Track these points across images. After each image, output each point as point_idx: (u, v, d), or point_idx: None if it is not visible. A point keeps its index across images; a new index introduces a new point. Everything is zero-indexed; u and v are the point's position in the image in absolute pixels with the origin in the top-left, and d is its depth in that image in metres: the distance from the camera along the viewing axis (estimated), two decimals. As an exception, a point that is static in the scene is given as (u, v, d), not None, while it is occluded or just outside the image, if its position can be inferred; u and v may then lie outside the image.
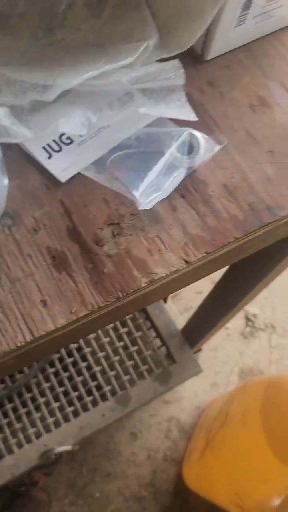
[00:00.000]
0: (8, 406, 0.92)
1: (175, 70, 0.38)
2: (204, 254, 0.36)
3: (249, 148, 0.41)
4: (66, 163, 0.37)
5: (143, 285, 0.34)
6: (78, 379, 0.96)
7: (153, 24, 0.41)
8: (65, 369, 0.97)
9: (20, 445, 0.90)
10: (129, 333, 0.98)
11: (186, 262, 0.36)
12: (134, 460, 1.16)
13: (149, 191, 0.34)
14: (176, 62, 0.39)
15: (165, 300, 1.01)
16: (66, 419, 0.93)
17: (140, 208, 0.34)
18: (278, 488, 0.85)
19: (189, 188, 0.38)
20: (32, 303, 0.33)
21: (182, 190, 0.38)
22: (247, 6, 0.41)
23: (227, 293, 0.76)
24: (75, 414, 0.94)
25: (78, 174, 0.37)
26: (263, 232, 0.39)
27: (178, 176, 0.36)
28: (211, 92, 0.44)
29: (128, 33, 0.42)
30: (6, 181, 0.35)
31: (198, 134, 0.37)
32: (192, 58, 0.45)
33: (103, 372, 0.96)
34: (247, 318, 1.34)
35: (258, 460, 0.85)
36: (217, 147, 0.38)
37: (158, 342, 0.99)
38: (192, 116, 0.37)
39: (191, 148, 0.37)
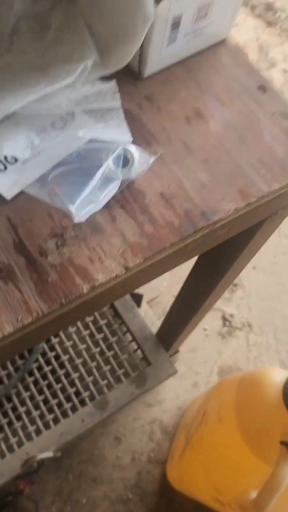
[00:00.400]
0: (-11, 417, 0.94)
1: (112, 94, 0.41)
2: (142, 260, 0.39)
3: (184, 158, 0.44)
4: (11, 181, 0.40)
5: (85, 291, 0.37)
6: (57, 386, 0.98)
7: (92, 44, 0.44)
8: (44, 377, 0.99)
9: (2, 455, 0.92)
10: (105, 339, 1.01)
11: (125, 267, 0.38)
12: (119, 464, 1.18)
13: (85, 204, 0.37)
14: (113, 85, 0.42)
15: (138, 305, 1.04)
16: (47, 426, 0.95)
17: (75, 220, 0.37)
18: (254, 481, 0.88)
19: (128, 199, 0.41)
20: (-20, 314, 0.35)
21: (121, 201, 0.41)
22: (175, 25, 0.45)
23: (194, 293, 0.79)
24: (56, 421, 0.95)
25: (22, 190, 0.40)
26: (200, 236, 0.42)
27: (113, 189, 0.38)
28: (149, 106, 0.47)
29: (69, 54, 0.45)
30: None
31: (132, 147, 0.40)
32: (131, 76, 0.48)
33: (81, 378, 0.98)
34: (224, 318, 1.37)
35: (234, 456, 0.87)
36: (152, 159, 0.41)
37: (133, 345, 1.01)
38: (127, 136, 0.40)
39: (126, 161, 0.40)
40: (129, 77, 0.48)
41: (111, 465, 1.17)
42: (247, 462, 0.85)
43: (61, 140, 0.41)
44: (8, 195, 0.39)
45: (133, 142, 0.42)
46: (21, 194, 0.40)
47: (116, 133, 0.42)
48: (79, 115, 0.44)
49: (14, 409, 0.96)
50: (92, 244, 0.39)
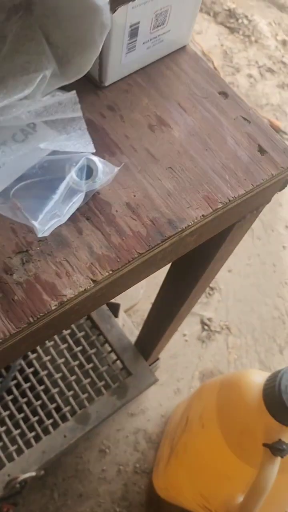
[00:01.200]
0: None
1: (73, 104, 0.40)
2: (110, 272, 0.38)
3: (149, 166, 0.44)
4: (-29, 197, 0.39)
5: (53, 307, 0.36)
6: (37, 403, 0.96)
7: (50, 54, 0.43)
8: (23, 394, 0.97)
9: (-17, 478, 0.89)
10: (83, 351, 0.99)
11: (94, 281, 0.38)
12: (104, 477, 1.16)
13: (48, 218, 0.36)
14: (73, 95, 0.41)
15: (115, 315, 1.03)
16: (28, 445, 0.93)
17: (39, 235, 0.36)
18: (240, 485, 0.87)
19: (94, 210, 0.41)
20: None
21: (87, 213, 0.40)
22: (133, 34, 0.44)
23: (170, 300, 0.79)
24: (37, 438, 0.93)
25: (-16, 207, 0.39)
26: (168, 244, 0.41)
27: (77, 201, 0.38)
28: (111, 116, 0.46)
29: (26, 65, 0.44)
30: None
31: (95, 158, 0.39)
32: (93, 85, 0.47)
33: (61, 393, 0.96)
34: (203, 323, 1.37)
35: (218, 460, 0.87)
36: (116, 169, 0.40)
37: (113, 356, 1.00)
38: (90, 148, 0.40)
39: (90, 172, 0.39)
40: (90, 86, 0.48)
41: (96, 479, 1.15)
42: (232, 466, 0.85)
43: (22, 153, 0.40)
44: None
45: (97, 152, 0.42)
46: (-18, 210, 0.39)
47: (79, 144, 0.41)
48: (41, 127, 0.43)
49: (-7, 429, 0.93)
50: (58, 259, 0.38)
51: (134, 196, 0.42)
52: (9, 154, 0.41)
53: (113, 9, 0.39)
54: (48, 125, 0.43)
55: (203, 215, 0.42)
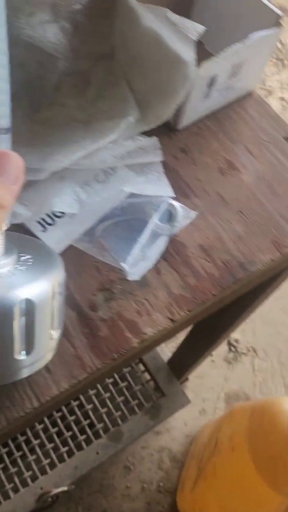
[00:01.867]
0: (3, 451, 0.93)
1: (154, 150, 0.43)
2: (187, 312, 0.40)
3: (220, 209, 0.46)
4: (59, 235, 0.41)
5: (135, 345, 0.38)
6: (71, 418, 0.97)
7: (133, 101, 0.46)
8: (58, 409, 0.99)
9: (16, 490, 0.91)
10: (117, 369, 1.01)
11: (172, 320, 0.40)
12: (128, 494, 1.17)
13: (137, 261, 0.38)
14: (155, 141, 0.43)
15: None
16: (61, 459, 0.95)
17: (129, 278, 0.38)
18: (270, 512, 0.88)
19: (171, 251, 0.43)
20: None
21: (164, 254, 0.43)
22: (211, 83, 0.47)
23: (212, 326, 0.81)
24: (70, 454, 0.95)
25: (71, 245, 0.41)
26: (238, 286, 0.43)
27: (161, 244, 0.40)
28: (184, 158, 0.49)
29: (110, 110, 0.47)
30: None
31: (176, 203, 0.42)
32: (166, 128, 0.50)
33: (95, 409, 0.98)
34: (230, 344, 1.38)
35: (248, 487, 0.87)
36: (193, 214, 0.43)
37: (146, 376, 1.02)
38: (169, 191, 0.42)
39: (170, 216, 0.42)
40: (163, 128, 0.50)
41: (120, 495, 1.17)
42: (262, 493, 0.86)
43: (105, 194, 0.43)
44: (58, 249, 0.41)
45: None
46: (69, 247, 0.42)
47: (158, 188, 0.43)
48: (120, 168, 0.45)
49: (28, 442, 0.95)
50: (139, 297, 0.40)
51: (207, 238, 0.44)
52: (93, 194, 0.43)
53: (198, 64, 0.42)
54: (127, 166, 0.46)
55: (272, 259, 0.44)
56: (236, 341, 1.39)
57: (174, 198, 0.44)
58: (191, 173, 0.48)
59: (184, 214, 0.42)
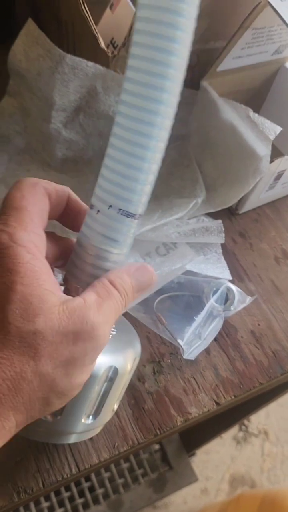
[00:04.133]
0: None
1: (217, 232, 0.45)
2: (233, 397, 0.40)
3: (273, 297, 0.47)
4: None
5: (179, 424, 0.38)
6: (72, 477, 0.94)
7: (202, 183, 0.48)
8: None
9: None
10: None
11: (217, 403, 0.40)
12: None
13: (191, 339, 0.39)
14: (219, 224, 0.45)
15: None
16: (55, 520, 0.91)
17: (185, 357, 0.39)
18: None
19: (221, 332, 0.43)
20: (79, 435, 0.36)
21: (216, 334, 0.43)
22: (278, 177, 0.49)
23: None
24: (65, 516, 0.91)
25: (127, 312, 0.42)
26: (285, 377, 0.43)
27: (216, 326, 0.41)
28: (242, 242, 0.50)
29: (181, 189, 0.49)
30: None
31: (233, 287, 0.43)
32: (227, 211, 0.52)
33: (97, 472, 0.95)
34: (241, 422, 1.33)
35: None
36: (248, 299, 0.44)
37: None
38: (227, 275, 0.43)
39: (226, 299, 0.43)
40: (224, 211, 0.52)
41: None
42: None
43: (165, 267, 0.44)
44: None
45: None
46: (124, 314, 0.43)
47: (217, 269, 0.45)
48: (181, 244, 0.47)
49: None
50: (186, 375, 0.40)
51: (259, 325, 0.44)
52: (153, 266, 0.45)
53: (271, 160, 0.44)
54: (188, 243, 0.47)
55: None
56: (248, 419, 1.34)
57: (230, 281, 0.45)
58: (248, 258, 0.49)
59: (240, 299, 0.42)
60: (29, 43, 0.42)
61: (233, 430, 1.32)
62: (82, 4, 0.39)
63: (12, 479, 0.34)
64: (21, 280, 0.20)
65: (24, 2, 0.52)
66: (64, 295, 0.22)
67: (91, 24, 0.40)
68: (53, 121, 0.45)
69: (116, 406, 0.31)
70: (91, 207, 0.23)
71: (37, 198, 0.23)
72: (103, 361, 0.26)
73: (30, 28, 0.42)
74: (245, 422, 1.34)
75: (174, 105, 0.21)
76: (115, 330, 0.28)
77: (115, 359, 0.27)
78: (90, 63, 0.41)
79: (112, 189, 0.22)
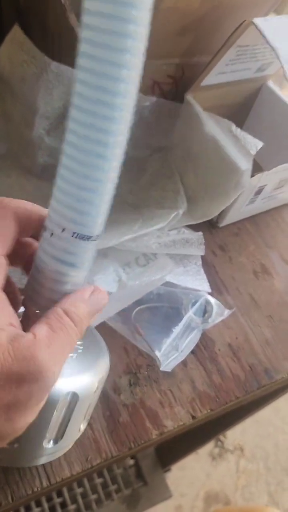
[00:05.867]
0: None
1: (197, 244, 0.45)
2: (209, 411, 0.40)
3: (251, 311, 0.47)
4: (93, 310, 0.42)
5: (154, 437, 0.37)
6: (43, 492, 0.92)
7: (184, 195, 0.49)
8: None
9: None
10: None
11: (193, 417, 0.39)
12: None
13: (169, 351, 0.39)
14: (199, 236, 0.45)
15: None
16: (24, 537, 0.88)
17: (161, 369, 0.38)
18: None
19: (199, 345, 0.43)
20: (50, 447, 0.35)
21: (193, 347, 0.43)
22: (258, 192, 0.50)
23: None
24: (35, 532, 0.88)
25: (104, 322, 0.42)
26: (260, 392, 0.43)
27: (194, 338, 0.40)
28: (222, 255, 0.50)
29: (162, 200, 0.49)
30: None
31: (212, 300, 0.43)
32: (208, 223, 0.52)
33: (69, 488, 0.92)
34: (217, 438, 1.33)
35: None
36: (226, 312, 0.44)
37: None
38: (206, 287, 0.43)
39: (205, 311, 0.43)
40: (205, 224, 0.52)
41: None
42: None
43: (145, 278, 0.44)
44: (93, 324, 0.41)
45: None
46: (100, 324, 0.42)
47: (196, 281, 0.44)
48: (161, 255, 0.47)
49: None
50: (163, 387, 0.40)
51: (236, 338, 0.44)
52: (133, 277, 0.44)
53: (252, 174, 0.45)
54: (168, 254, 0.47)
55: (296, 370, 0.44)
56: (224, 436, 1.34)
57: (209, 293, 0.45)
58: (227, 271, 0.49)
59: (218, 311, 0.42)
60: (14, 49, 0.42)
61: (209, 446, 1.31)
62: (68, 13, 0.39)
63: (-21, 492, 0.32)
64: None
65: (11, 8, 0.52)
66: (14, 329, 0.20)
67: (78, 34, 0.40)
68: (36, 127, 0.45)
69: (83, 426, 0.31)
70: (45, 229, 0.21)
71: (2, 223, 0.22)
72: (62, 386, 0.26)
73: (16, 34, 0.42)
74: (221, 437, 1.33)
75: (129, 116, 0.19)
76: (81, 347, 0.28)
77: (77, 383, 0.26)
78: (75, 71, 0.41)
79: (65, 212, 0.20)
